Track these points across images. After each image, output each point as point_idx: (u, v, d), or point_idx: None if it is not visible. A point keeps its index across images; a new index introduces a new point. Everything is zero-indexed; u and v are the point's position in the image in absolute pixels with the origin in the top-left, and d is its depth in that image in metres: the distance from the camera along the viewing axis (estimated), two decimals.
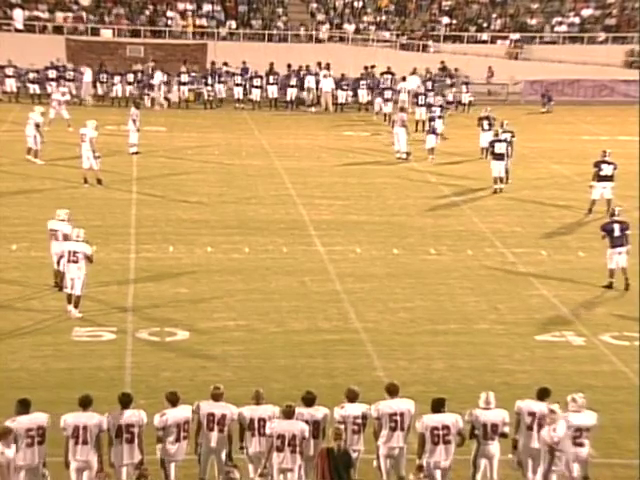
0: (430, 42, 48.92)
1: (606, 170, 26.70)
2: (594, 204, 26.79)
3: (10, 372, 16.30)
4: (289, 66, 44.12)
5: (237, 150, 34.38)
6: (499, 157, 28.76)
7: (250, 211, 26.65)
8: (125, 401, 12.46)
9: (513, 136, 30.14)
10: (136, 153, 32.37)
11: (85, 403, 12.26)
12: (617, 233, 21.08)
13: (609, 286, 21.06)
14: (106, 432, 12.22)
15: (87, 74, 42.53)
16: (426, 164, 32.55)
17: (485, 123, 32.33)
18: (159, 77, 42.50)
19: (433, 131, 33.29)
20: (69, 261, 18.48)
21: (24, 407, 12.14)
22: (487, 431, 12.61)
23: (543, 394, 13.01)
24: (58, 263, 18.98)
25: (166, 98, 42.36)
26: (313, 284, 21.09)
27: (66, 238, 19.60)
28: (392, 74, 43.83)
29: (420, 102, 39.26)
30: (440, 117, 35.18)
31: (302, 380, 15.83)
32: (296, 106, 43.45)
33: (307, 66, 44.22)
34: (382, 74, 44.07)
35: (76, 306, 18.38)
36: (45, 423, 12.10)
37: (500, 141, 29.14)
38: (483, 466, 12.71)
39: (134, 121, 32.15)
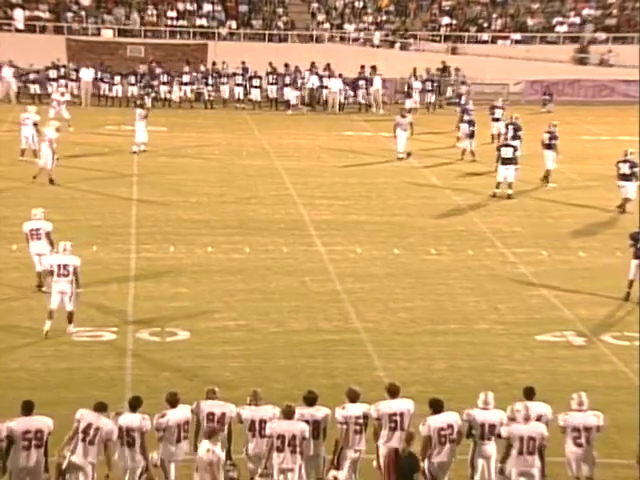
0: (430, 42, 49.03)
1: (623, 169, 26.68)
2: (625, 202, 26.83)
3: (10, 372, 16.30)
4: (286, 65, 44.13)
5: (237, 150, 34.37)
6: (506, 162, 28.69)
7: (250, 211, 26.65)
8: (133, 405, 12.46)
9: (552, 138, 29.95)
10: (136, 152, 32.44)
11: (102, 408, 12.24)
12: None
13: (626, 298, 20.56)
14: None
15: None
16: (427, 165, 32.52)
17: (511, 129, 32.10)
18: (90, 74, 42.38)
19: (471, 135, 33.18)
20: (59, 275, 17.62)
21: (25, 409, 12.13)
22: (485, 431, 12.62)
23: (530, 393, 13.05)
24: (51, 273, 17.92)
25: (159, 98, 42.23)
26: (313, 284, 21.08)
27: (48, 236, 19.57)
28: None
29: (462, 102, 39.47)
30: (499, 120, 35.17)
31: (302, 380, 15.83)
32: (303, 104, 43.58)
33: (312, 65, 44.29)
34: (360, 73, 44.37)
35: (70, 321, 17.81)
36: (46, 428, 12.04)
37: (507, 146, 29.10)
38: (481, 466, 12.72)
39: (145, 117, 32.66)
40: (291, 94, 43.04)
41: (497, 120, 35.75)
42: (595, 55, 49.29)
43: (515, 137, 31.06)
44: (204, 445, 11.85)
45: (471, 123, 33.47)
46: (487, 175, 30.82)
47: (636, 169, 26.71)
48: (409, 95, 42.41)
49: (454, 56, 47.95)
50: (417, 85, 43.69)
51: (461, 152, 33.24)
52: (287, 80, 43.63)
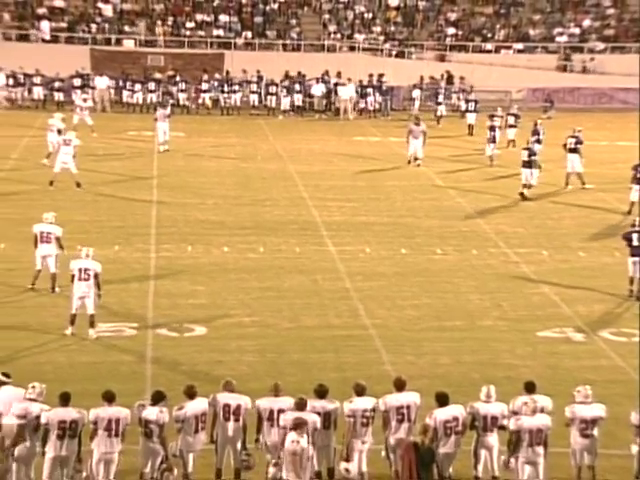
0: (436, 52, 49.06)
1: None
2: (632, 206, 26.51)
3: (38, 365, 16.34)
4: (299, 73, 44.16)
5: (252, 154, 34.39)
6: (526, 165, 28.54)
7: (265, 212, 26.66)
8: (155, 398, 12.48)
9: (578, 142, 29.85)
10: (166, 150, 33.60)
11: (110, 398, 12.30)
12: (635, 242, 20.41)
13: (630, 294, 20.52)
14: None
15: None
16: (434, 168, 32.45)
17: (541, 130, 31.84)
18: (105, 81, 42.51)
19: (493, 140, 33.04)
20: (80, 279, 17.26)
21: (62, 400, 12.23)
22: (487, 423, 12.64)
23: (531, 387, 13.04)
24: (72, 277, 17.50)
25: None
26: (324, 282, 21.08)
27: (58, 240, 19.57)
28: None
29: (470, 108, 39.60)
30: (499, 127, 34.64)
31: (314, 374, 15.83)
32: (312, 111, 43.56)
33: (326, 72, 44.26)
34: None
35: (92, 325, 17.58)
36: (80, 420, 12.11)
37: (525, 149, 29.05)
38: (483, 457, 12.74)
39: (168, 116, 33.96)
40: (283, 100, 42.98)
41: (512, 127, 35.71)
42: (578, 63, 49.20)
43: (538, 141, 31.04)
44: (290, 436, 11.74)
45: (492, 129, 33.30)
46: (492, 179, 30.84)
47: None
48: (438, 103, 42.30)
49: (442, 63, 47.96)
50: (417, 94, 43.72)
51: (489, 158, 33.11)
52: (297, 87, 43.63)
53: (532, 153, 28.79)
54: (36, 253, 19.76)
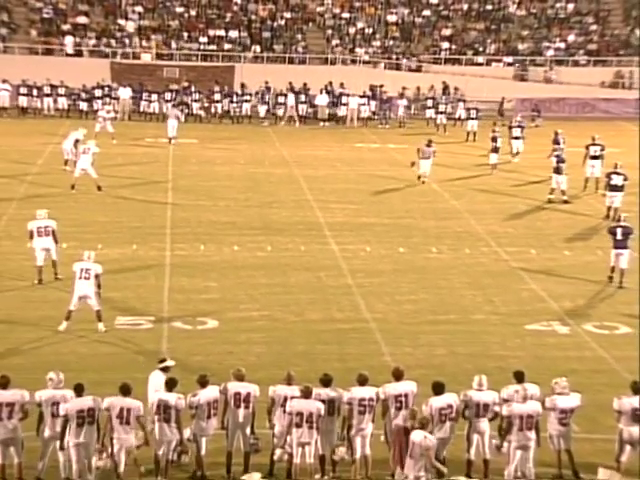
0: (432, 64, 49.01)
1: (615, 180, 26.16)
2: (609, 210, 26.37)
3: (62, 356, 16.36)
4: (305, 85, 44.12)
5: (261, 160, 34.36)
6: (556, 171, 28.45)
7: (272, 214, 26.64)
8: (170, 385, 12.50)
9: (602, 149, 29.65)
10: (174, 139, 35.56)
11: (125, 391, 12.30)
12: (619, 237, 20.85)
13: (610, 279, 20.88)
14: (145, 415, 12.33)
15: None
16: (431, 173, 32.34)
17: (561, 140, 31.77)
18: (128, 92, 42.51)
19: (496, 149, 32.52)
20: (80, 278, 17.25)
21: (77, 391, 12.25)
22: (479, 410, 12.63)
23: (521, 376, 13.02)
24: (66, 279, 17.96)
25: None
26: (328, 279, 21.07)
27: (54, 233, 19.73)
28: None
29: (472, 115, 39.41)
30: (518, 138, 34.36)
31: (318, 364, 15.81)
32: (329, 121, 43.36)
33: (329, 84, 44.21)
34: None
35: (100, 319, 17.52)
36: (97, 407, 12.13)
37: (554, 156, 28.96)
38: (476, 441, 12.72)
39: (178, 118, 36.42)
40: (260, 108, 42.87)
41: (516, 138, 34.63)
42: (534, 73, 49.11)
43: (561, 149, 30.95)
44: (420, 433, 11.64)
45: (494, 139, 32.66)
46: (486, 184, 30.79)
47: (626, 181, 26.32)
48: (439, 112, 42.04)
49: (417, 74, 47.89)
50: (404, 102, 43.57)
51: (491, 166, 32.69)
52: (302, 98, 43.57)
53: (560, 160, 28.69)
54: (35, 248, 19.85)
